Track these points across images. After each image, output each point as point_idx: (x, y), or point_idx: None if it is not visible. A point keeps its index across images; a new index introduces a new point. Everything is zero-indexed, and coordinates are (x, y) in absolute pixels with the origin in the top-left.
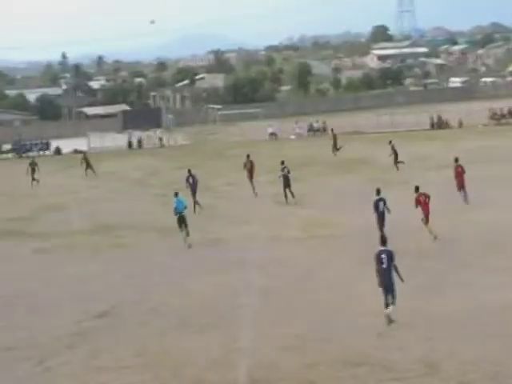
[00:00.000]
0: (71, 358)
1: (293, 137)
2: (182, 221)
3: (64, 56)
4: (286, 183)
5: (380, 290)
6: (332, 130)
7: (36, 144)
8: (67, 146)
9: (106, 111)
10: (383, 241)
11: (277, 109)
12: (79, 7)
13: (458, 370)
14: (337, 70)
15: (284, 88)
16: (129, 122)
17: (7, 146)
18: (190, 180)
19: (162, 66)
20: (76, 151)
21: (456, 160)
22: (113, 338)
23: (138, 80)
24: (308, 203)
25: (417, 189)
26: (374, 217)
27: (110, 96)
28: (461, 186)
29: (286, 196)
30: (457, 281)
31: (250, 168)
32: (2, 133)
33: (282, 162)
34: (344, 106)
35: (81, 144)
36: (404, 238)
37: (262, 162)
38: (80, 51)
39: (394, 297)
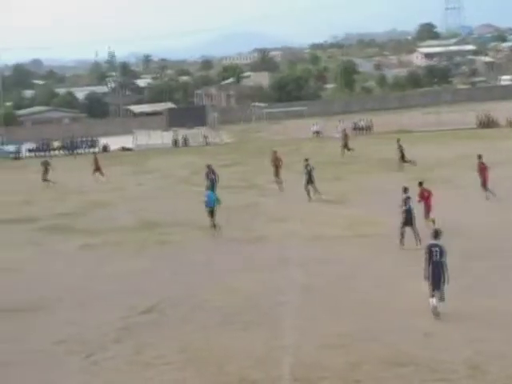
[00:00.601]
0: (117, 353)
1: (337, 135)
2: (212, 214)
3: (112, 55)
4: (309, 179)
5: (426, 284)
6: (344, 129)
7: (84, 141)
8: (114, 143)
9: (152, 109)
10: (436, 234)
11: (321, 107)
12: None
13: (505, 373)
14: (378, 66)
15: (329, 86)
16: (174, 119)
17: (57, 144)
18: (212, 175)
19: (207, 64)
20: (123, 148)
21: (479, 157)
22: (157, 333)
23: (184, 78)
24: (350, 201)
25: (420, 184)
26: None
27: (156, 94)
28: (485, 182)
29: (308, 193)
30: (505, 281)
31: (276, 164)
32: (52, 130)
33: (306, 159)
34: (390, 104)
35: (127, 141)
36: (449, 237)
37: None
38: (127, 50)
39: (442, 293)
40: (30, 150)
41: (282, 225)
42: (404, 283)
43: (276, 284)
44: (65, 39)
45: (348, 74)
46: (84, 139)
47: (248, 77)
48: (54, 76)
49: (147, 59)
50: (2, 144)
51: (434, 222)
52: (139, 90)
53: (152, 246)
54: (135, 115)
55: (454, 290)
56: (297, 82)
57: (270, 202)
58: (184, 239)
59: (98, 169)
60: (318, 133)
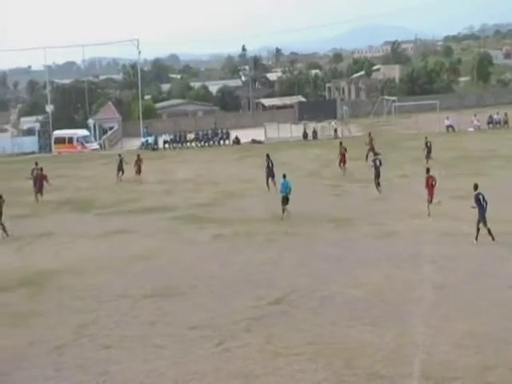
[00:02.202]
0: (248, 341)
1: (471, 129)
2: (285, 201)
3: (244, 48)
4: (377, 173)
5: None
6: (370, 133)
7: (217, 134)
8: (245, 136)
9: (282, 102)
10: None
11: (455, 101)
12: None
13: None
14: (508, 55)
15: (462, 79)
16: (304, 113)
17: (191, 136)
18: (270, 164)
19: (337, 57)
20: (254, 141)
21: None
22: (286, 324)
23: (314, 72)
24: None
25: (427, 170)
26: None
27: (286, 88)
28: None
29: (376, 186)
30: None
31: (342, 154)
32: (187, 122)
33: (376, 153)
34: None
35: (258, 134)
36: None
37: (437, 155)
38: (259, 44)
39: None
40: (165, 142)
41: (412, 220)
42: None
43: (406, 280)
44: (199, 34)
45: (483, 67)
46: (217, 131)
47: (378, 70)
48: (190, 70)
49: (278, 53)
50: (147, 135)
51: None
52: (270, 83)
53: (281, 237)
54: (265, 108)
55: None
56: (429, 75)
57: (399, 196)
58: (313, 231)
59: (120, 169)
60: (450, 127)
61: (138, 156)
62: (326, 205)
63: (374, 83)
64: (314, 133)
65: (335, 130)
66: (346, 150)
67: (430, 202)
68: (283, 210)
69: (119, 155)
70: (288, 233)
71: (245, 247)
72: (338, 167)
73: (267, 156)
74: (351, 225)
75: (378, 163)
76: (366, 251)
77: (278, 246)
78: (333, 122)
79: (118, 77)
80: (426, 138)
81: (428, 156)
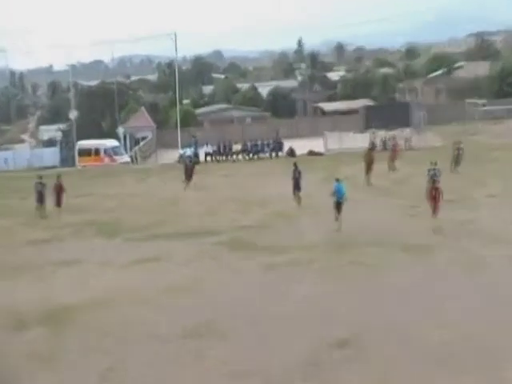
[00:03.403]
0: None
1: None
2: (338, 208)
3: (300, 43)
4: (433, 185)
5: None
6: (459, 142)
7: (268, 144)
8: (301, 146)
9: (345, 107)
10: None
11: None
12: None
13: None
14: None
15: None
16: (372, 119)
17: (237, 147)
18: (297, 175)
19: (411, 53)
20: (311, 153)
21: None
22: (353, 373)
23: (384, 70)
24: None
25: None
26: None
27: (351, 89)
28: None
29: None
30: None
31: (368, 161)
32: (233, 131)
33: (434, 163)
34: None
35: (317, 144)
36: None
37: None
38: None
39: None
40: (207, 154)
41: (504, 247)
42: None
43: (502, 320)
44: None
45: None
46: (266, 142)
47: (461, 67)
48: (236, 69)
49: (340, 49)
50: (195, 146)
51: None
52: (331, 84)
53: (346, 268)
54: (326, 114)
55: None
56: None
57: (485, 219)
58: (384, 261)
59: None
60: None
61: (58, 179)
62: (399, 228)
63: (457, 83)
64: (384, 143)
65: (407, 140)
66: (372, 156)
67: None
68: (336, 218)
69: (39, 180)
70: (354, 262)
71: (301, 278)
72: (365, 179)
73: (294, 165)
74: (431, 252)
75: (432, 173)
76: (450, 285)
77: (341, 278)
78: (406, 131)
79: (153, 77)
80: (457, 142)
81: (455, 162)
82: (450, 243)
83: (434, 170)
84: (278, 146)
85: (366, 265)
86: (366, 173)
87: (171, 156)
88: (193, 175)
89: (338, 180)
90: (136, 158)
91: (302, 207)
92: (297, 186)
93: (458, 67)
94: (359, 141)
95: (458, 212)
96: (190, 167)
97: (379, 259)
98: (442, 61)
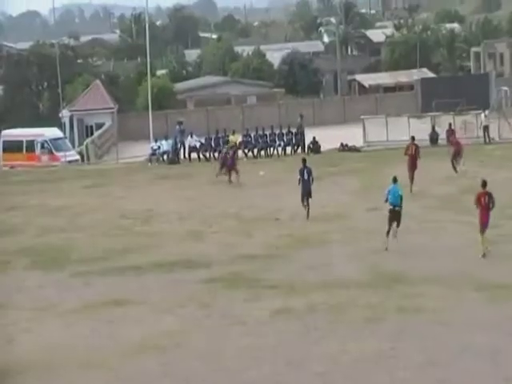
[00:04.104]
0: None
1: None
2: (393, 218)
3: None
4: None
5: None
6: None
7: (281, 135)
8: (330, 138)
9: (394, 80)
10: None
11: None
12: None
13: None
14: None
15: None
16: (433, 98)
17: (236, 138)
18: (306, 175)
19: (490, 1)
20: (344, 148)
21: None
22: None
23: (450, 26)
24: None
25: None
26: None
27: (401, 55)
28: None
29: None
30: None
31: (412, 154)
32: (229, 116)
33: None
34: None
35: (352, 135)
36: None
37: None
38: None
39: None
40: (192, 149)
41: None
42: None
43: None
44: None
45: None
46: (279, 132)
47: None
48: (234, 25)
49: None
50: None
51: None
52: (373, 47)
53: (392, 315)
54: (366, 90)
55: None
56: None
57: None
58: (447, 305)
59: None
60: None
61: None
62: (468, 258)
63: None
64: (450, 132)
65: (485, 128)
66: (417, 148)
67: None
68: (388, 232)
69: None
70: (404, 307)
71: (329, 332)
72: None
73: (303, 162)
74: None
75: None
76: None
77: (387, 331)
78: (483, 114)
79: (112, 37)
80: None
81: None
82: None
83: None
84: (299, 138)
85: (421, 311)
86: (409, 176)
87: (139, 151)
88: (236, 166)
89: (395, 180)
90: (88, 155)
91: (332, 228)
92: (306, 191)
93: None
94: (414, 129)
95: None
96: (228, 155)
97: (440, 303)
98: None
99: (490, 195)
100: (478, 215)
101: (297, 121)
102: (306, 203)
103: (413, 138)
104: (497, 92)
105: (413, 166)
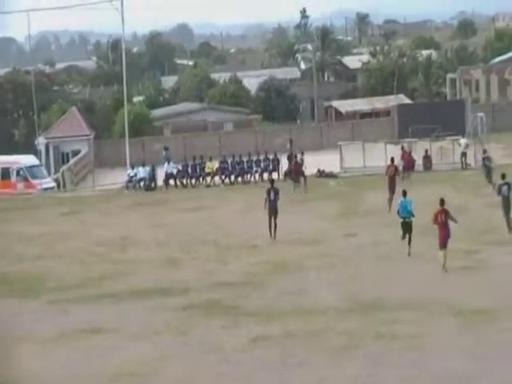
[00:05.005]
0: None
1: None
2: (406, 229)
3: (304, 15)
4: (506, 205)
5: None
6: None
7: (259, 161)
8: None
9: (370, 106)
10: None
11: None
12: None
13: None
14: None
15: None
16: (409, 124)
17: (213, 165)
18: (272, 195)
19: (466, 27)
20: (321, 173)
21: None
22: None
23: (427, 53)
24: None
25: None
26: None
27: (378, 81)
28: None
29: (508, 224)
30: None
31: (391, 176)
32: (207, 143)
33: (503, 176)
34: None
35: (329, 161)
36: None
37: None
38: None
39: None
40: (169, 176)
41: None
42: None
43: None
44: None
45: None
46: (258, 158)
47: None
48: (210, 52)
49: (363, 21)
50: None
51: None
52: (349, 74)
53: (370, 342)
54: (342, 117)
55: None
56: None
57: None
58: (426, 331)
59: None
60: None
61: None
62: (448, 285)
63: None
64: (427, 159)
65: (463, 155)
66: (397, 169)
67: None
68: (403, 237)
69: None
70: (382, 333)
71: (307, 359)
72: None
73: (271, 182)
74: (493, 321)
75: (504, 190)
76: None
77: (364, 357)
78: (461, 141)
79: (88, 64)
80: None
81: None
82: None
83: (504, 185)
84: (273, 164)
85: (399, 338)
86: (388, 197)
87: (115, 178)
88: (303, 173)
89: (404, 194)
90: (64, 183)
91: (309, 254)
92: (273, 210)
93: None
94: (391, 155)
95: None
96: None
97: (419, 329)
98: (510, 39)
99: (446, 212)
100: (438, 232)
101: (286, 146)
102: (273, 222)
103: (392, 160)
104: (473, 118)
105: (392, 187)
